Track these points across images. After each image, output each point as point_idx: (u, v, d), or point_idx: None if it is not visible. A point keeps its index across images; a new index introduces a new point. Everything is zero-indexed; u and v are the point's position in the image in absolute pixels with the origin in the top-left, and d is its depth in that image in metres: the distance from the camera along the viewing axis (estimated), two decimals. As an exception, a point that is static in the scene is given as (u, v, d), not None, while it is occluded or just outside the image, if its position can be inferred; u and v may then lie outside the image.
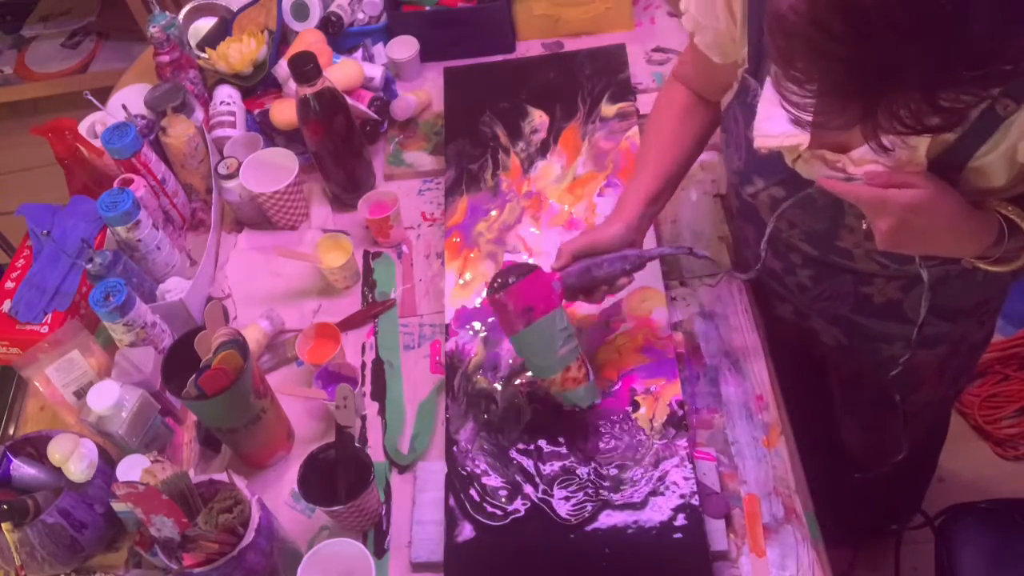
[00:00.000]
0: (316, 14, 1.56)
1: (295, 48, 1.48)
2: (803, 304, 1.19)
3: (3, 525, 1.03)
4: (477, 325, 1.23)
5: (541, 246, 1.30)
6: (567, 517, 1.04)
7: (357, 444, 1.17)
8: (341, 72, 1.45)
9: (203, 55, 1.55)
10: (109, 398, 1.11)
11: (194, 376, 1.06)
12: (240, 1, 1.65)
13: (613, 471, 1.06)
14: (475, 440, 1.12)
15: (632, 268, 1.07)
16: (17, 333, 1.27)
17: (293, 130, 1.43)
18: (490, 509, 1.06)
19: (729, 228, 1.29)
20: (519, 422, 1.13)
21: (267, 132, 1.51)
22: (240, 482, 1.00)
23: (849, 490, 1.38)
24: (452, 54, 1.62)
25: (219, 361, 1.05)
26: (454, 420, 1.15)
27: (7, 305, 1.28)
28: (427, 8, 1.59)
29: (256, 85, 1.56)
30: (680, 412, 1.10)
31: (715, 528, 1.02)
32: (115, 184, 1.34)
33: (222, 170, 1.39)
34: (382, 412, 1.21)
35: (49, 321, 1.27)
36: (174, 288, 1.32)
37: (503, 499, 1.07)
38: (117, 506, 1.06)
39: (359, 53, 1.60)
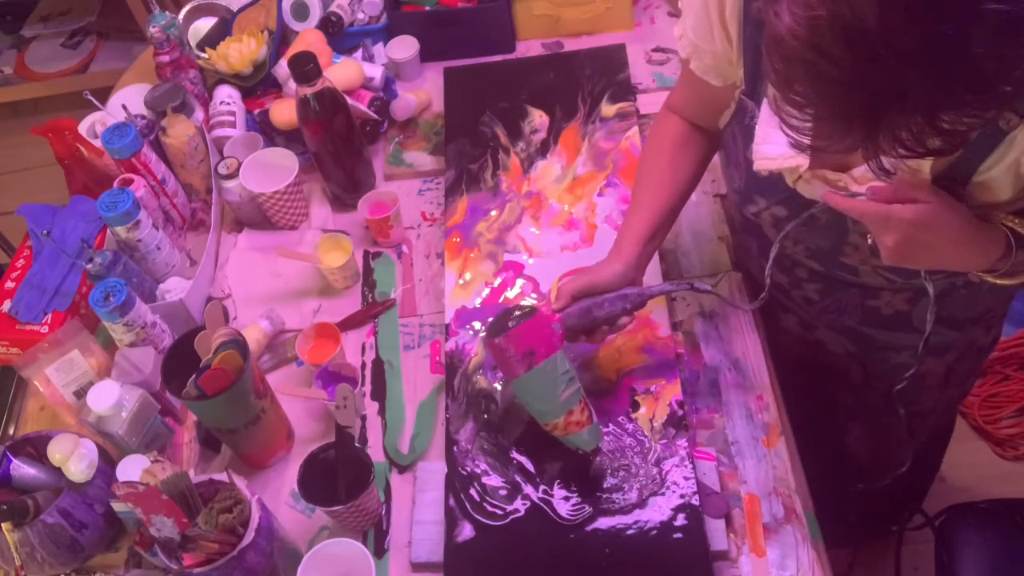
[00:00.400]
0: (316, 14, 1.56)
1: (295, 48, 1.47)
2: (809, 316, 1.19)
3: (3, 525, 1.03)
4: (477, 325, 1.23)
5: (541, 246, 1.30)
6: (567, 517, 1.04)
7: (357, 444, 1.17)
8: (341, 72, 1.45)
9: (203, 55, 1.55)
10: (109, 398, 1.11)
11: (194, 376, 1.06)
12: (240, 1, 1.66)
13: (612, 481, 1.06)
14: (475, 440, 1.12)
15: (633, 307, 1.05)
16: (17, 333, 1.27)
17: (293, 130, 1.43)
18: (490, 509, 1.06)
19: (732, 239, 1.28)
20: (519, 422, 1.13)
21: (267, 132, 1.51)
22: (240, 482, 1.00)
23: (851, 493, 1.37)
24: (452, 54, 1.62)
25: (219, 361, 1.05)
26: (454, 420, 1.15)
27: (7, 305, 1.28)
28: (427, 8, 1.59)
29: (256, 85, 1.56)
30: (680, 412, 1.10)
31: (715, 528, 1.02)
32: (115, 184, 1.34)
33: (222, 170, 1.39)
34: (382, 412, 1.21)
35: (49, 321, 1.27)
36: (174, 288, 1.32)
37: (503, 499, 1.07)
38: (117, 506, 1.06)
39: (359, 53, 1.60)
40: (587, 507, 1.04)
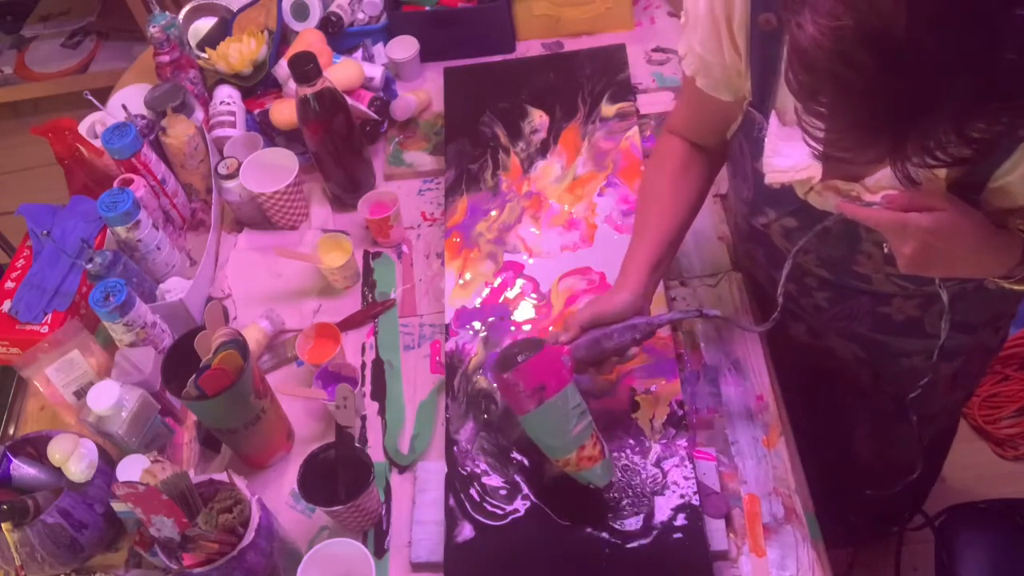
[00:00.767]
0: (316, 14, 1.56)
1: (295, 48, 1.48)
2: (819, 324, 1.18)
3: (3, 525, 1.03)
4: (477, 325, 1.23)
5: (541, 246, 1.30)
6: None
7: (357, 444, 1.17)
8: (341, 72, 1.45)
9: (203, 55, 1.55)
10: (109, 398, 1.11)
11: (194, 376, 1.06)
12: (240, 1, 1.66)
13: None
14: (475, 440, 1.12)
15: (643, 337, 1.03)
16: (17, 333, 1.27)
17: (293, 130, 1.43)
18: (490, 509, 1.06)
19: (737, 246, 1.27)
20: (519, 422, 1.12)
21: (267, 132, 1.51)
22: (240, 482, 1.00)
23: (855, 496, 1.37)
24: (452, 54, 1.62)
25: (219, 361, 1.05)
26: (454, 420, 1.15)
27: (7, 305, 1.28)
28: (427, 8, 1.59)
29: (256, 85, 1.56)
30: (680, 412, 1.10)
31: (715, 528, 1.02)
32: (115, 184, 1.34)
33: (222, 170, 1.39)
34: (382, 412, 1.21)
35: (49, 321, 1.27)
36: (174, 288, 1.32)
37: (503, 499, 1.07)
38: (117, 506, 1.06)
39: (359, 53, 1.60)
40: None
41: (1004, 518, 1.35)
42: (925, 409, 1.19)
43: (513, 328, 1.22)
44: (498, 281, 1.27)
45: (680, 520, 1.02)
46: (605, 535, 1.02)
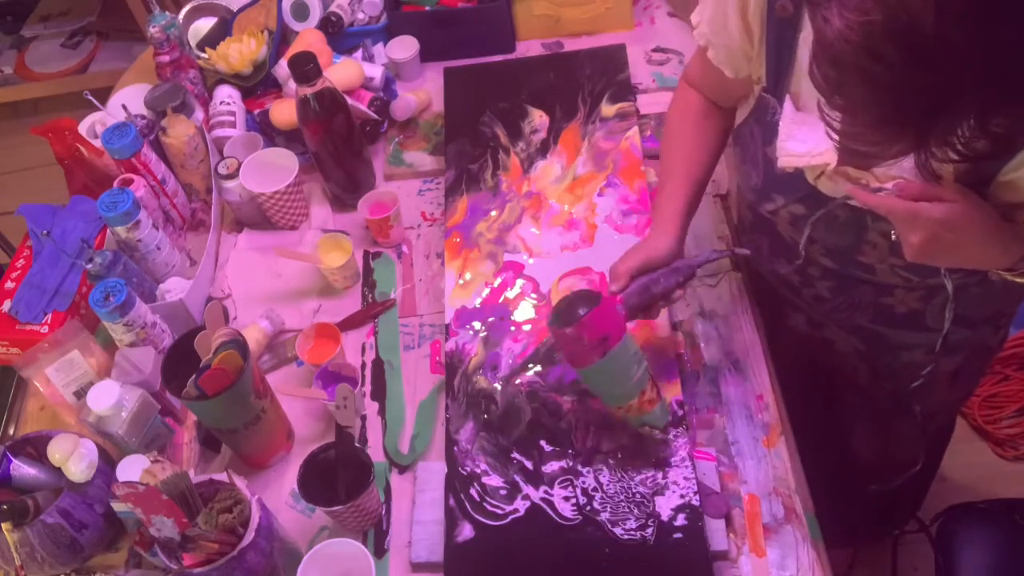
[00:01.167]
0: (316, 14, 1.56)
1: (295, 48, 1.48)
2: (819, 315, 1.19)
3: (3, 525, 1.03)
4: (477, 325, 1.23)
5: (541, 246, 1.30)
6: (568, 517, 1.04)
7: (357, 444, 1.17)
8: (341, 72, 1.45)
9: (203, 55, 1.55)
10: (109, 398, 1.11)
11: (194, 376, 1.06)
12: (240, 1, 1.66)
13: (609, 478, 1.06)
14: (475, 440, 1.12)
15: (685, 279, 1.06)
16: (17, 333, 1.27)
17: (293, 130, 1.43)
18: (490, 509, 1.06)
19: (740, 239, 1.28)
20: (519, 422, 1.13)
21: (267, 132, 1.51)
22: (240, 482, 1.00)
23: (855, 494, 1.37)
24: (452, 54, 1.62)
25: (219, 361, 1.05)
26: (454, 420, 1.15)
27: (7, 305, 1.28)
28: (427, 8, 1.59)
29: (256, 85, 1.56)
30: (680, 412, 1.10)
31: (715, 528, 1.02)
32: (115, 184, 1.34)
33: (222, 170, 1.39)
34: (382, 412, 1.21)
35: (49, 321, 1.27)
36: (174, 288, 1.32)
37: (503, 499, 1.07)
38: (117, 506, 1.06)
39: (359, 53, 1.61)
40: (588, 507, 1.04)
41: (1004, 518, 1.35)
42: (925, 406, 1.19)
43: (513, 328, 1.22)
44: (498, 281, 1.27)
45: (680, 520, 1.02)
46: (605, 535, 1.02)
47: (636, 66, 1.53)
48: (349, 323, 1.30)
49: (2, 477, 1.07)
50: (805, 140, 0.93)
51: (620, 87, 1.47)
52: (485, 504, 1.07)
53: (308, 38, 1.51)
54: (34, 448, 1.12)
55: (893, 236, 0.90)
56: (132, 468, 1.10)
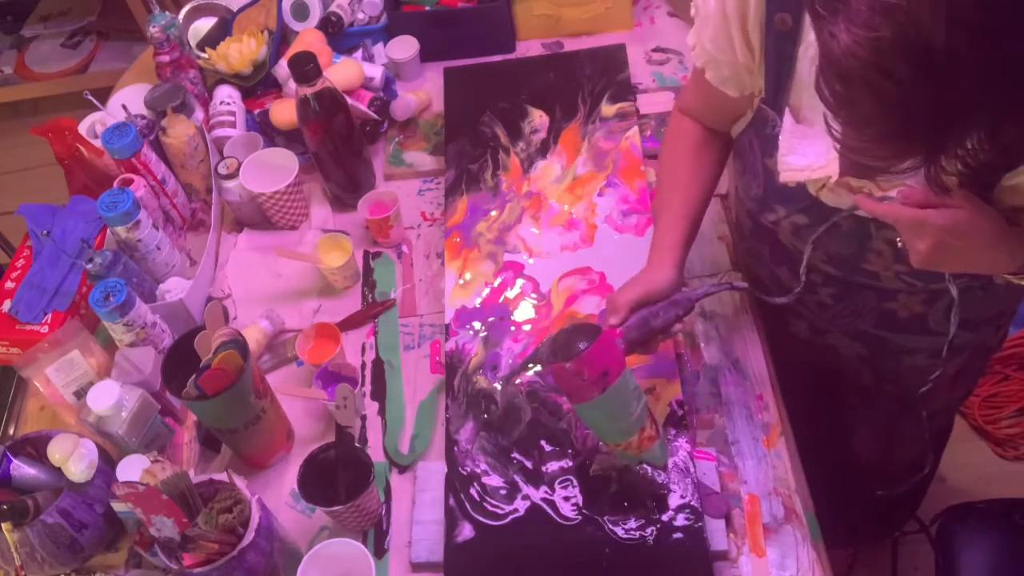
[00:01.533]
0: (316, 14, 1.56)
1: (295, 48, 1.48)
2: (822, 321, 1.18)
3: (3, 525, 1.03)
4: (477, 325, 1.23)
5: (541, 246, 1.30)
6: (568, 517, 1.04)
7: (357, 444, 1.17)
8: (341, 72, 1.45)
9: (203, 55, 1.55)
10: (109, 398, 1.11)
11: (194, 376, 1.06)
12: (240, 1, 1.66)
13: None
14: (475, 440, 1.12)
15: (684, 312, 1.04)
16: (17, 333, 1.27)
17: (293, 130, 1.43)
18: (490, 509, 1.06)
19: (740, 245, 1.27)
20: (519, 422, 1.13)
21: (267, 132, 1.51)
22: (240, 482, 1.00)
23: (858, 496, 1.37)
24: (452, 54, 1.62)
25: (219, 361, 1.05)
26: (454, 420, 1.15)
27: (7, 305, 1.28)
28: (427, 8, 1.59)
29: (256, 85, 1.56)
30: (680, 412, 1.10)
31: (715, 528, 1.02)
32: (115, 184, 1.34)
33: (222, 170, 1.39)
34: (382, 412, 1.21)
35: (49, 321, 1.27)
36: (174, 288, 1.32)
37: (503, 499, 1.07)
38: (117, 506, 1.06)
39: (359, 53, 1.61)
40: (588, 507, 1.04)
41: (1003, 518, 1.35)
42: (926, 407, 1.19)
43: (513, 328, 1.22)
44: (498, 281, 1.27)
45: (680, 520, 1.02)
46: (605, 535, 1.02)
47: (636, 66, 1.53)
48: (349, 323, 1.30)
49: (2, 477, 1.07)
50: (806, 154, 0.93)
51: (620, 87, 1.47)
52: (485, 504, 1.07)
53: (308, 38, 1.51)
54: (34, 448, 1.12)
55: (899, 243, 0.89)
56: (132, 468, 1.10)
